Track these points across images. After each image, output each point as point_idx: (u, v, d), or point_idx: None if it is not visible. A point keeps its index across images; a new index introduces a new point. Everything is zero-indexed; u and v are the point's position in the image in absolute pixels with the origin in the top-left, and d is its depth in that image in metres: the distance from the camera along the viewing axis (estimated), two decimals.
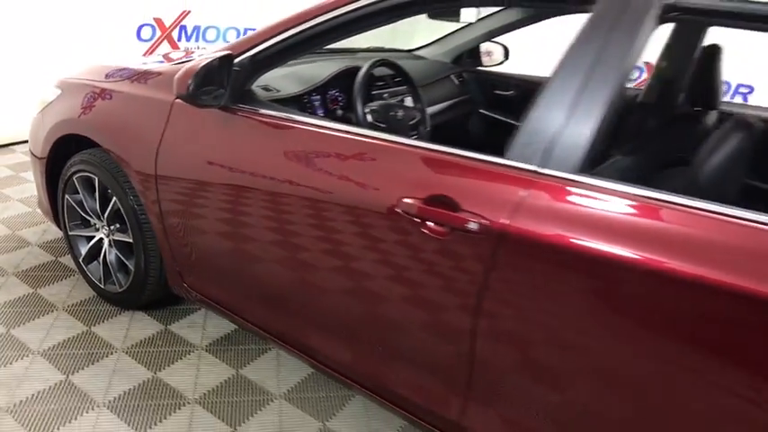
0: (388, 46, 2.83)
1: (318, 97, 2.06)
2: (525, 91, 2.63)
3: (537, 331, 1.19)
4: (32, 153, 2.38)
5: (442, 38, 2.78)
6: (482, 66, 2.87)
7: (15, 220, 2.86)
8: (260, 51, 1.62)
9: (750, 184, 2.12)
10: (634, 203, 1.09)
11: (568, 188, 1.14)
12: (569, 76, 1.18)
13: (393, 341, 1.47)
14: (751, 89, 4.55)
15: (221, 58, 1.55)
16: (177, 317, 2.23)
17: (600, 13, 1.18)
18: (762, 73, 4.31)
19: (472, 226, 1.19)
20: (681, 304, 1.02)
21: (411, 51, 2.87)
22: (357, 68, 2.02)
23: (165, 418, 1.75)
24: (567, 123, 1.15)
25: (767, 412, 0.98)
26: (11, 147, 3.82)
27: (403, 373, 1.50)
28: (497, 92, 2.73)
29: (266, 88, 1.87)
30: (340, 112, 2.13)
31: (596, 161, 1.65)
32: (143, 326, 2.16)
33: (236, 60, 1.63)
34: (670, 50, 2.12)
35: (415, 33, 3.28)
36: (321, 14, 1.54)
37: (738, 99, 4.62)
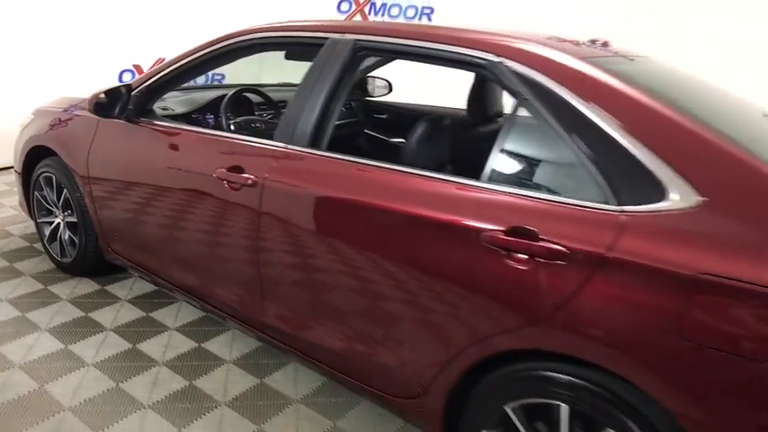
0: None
1: (212, 116, 2.85)
2: (395, 115, 3.39)
3: (289, 248, 1.92)
4: (15, 169, 3.20)
5: None
6: (370, 96, 3.65)
7: (5, 219, 3.69)
8: (152, 83, 2.42)
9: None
10: (324, 164, 1.83)
11: (300, 157, 1.88)
12: (303, 91, 1.95)
13: (228, 271, 2.19)
14: None
15: (122, 87, 2.36)
16: (113, 281, 2.98)
17: (321, 52, 1.95)
18: None
19: (249, 182, 1.94)
20: (358, 221, 1.74)
21: None
22: (238, 95, 2.80)
23: (87, 338, 2.47)
24: (299, 119, 1.91)
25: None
26: (11, 169, 4.68)
27: (242, 298, 2.21)
28: (376, 116, 3.50)
29: (165, 108, 2.67)
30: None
31: None
32: (85, 286, 2.91)
33: (138, 89, 2.43)
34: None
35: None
36: (188, 57, 2.33)
37: None
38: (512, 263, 1.43)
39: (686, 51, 4.19)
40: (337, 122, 3.32)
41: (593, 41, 2.02)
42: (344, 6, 5.75)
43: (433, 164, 1.94)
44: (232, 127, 2.56)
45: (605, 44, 2.02)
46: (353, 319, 1.83)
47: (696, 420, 1.25)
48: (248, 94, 2.86)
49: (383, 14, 5.81)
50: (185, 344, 2.49)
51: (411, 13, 5.69)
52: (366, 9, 5.76)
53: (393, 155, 1.93)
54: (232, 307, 2.25)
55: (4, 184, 4.39)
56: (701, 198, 1.28)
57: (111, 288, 2.92)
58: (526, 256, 1.42)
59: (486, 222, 1.48)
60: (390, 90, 3.69)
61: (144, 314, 2.70)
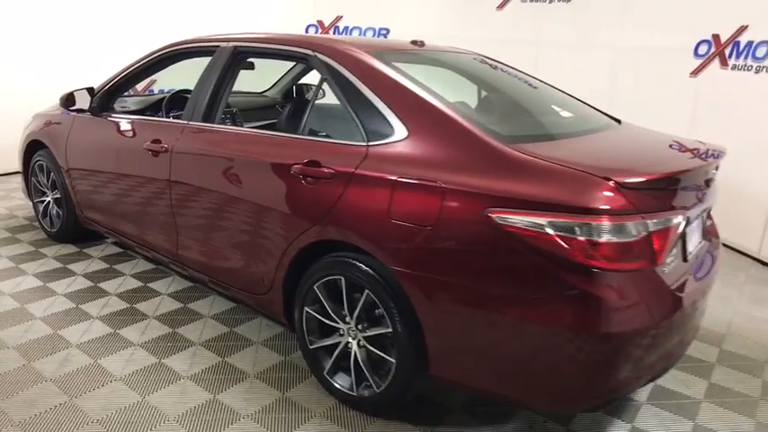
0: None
1: (161, 112, 3.66)
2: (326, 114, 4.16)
3: (188, 195, 2.67)
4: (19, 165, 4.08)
5: (275, 83, 4.38)
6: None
7: (14, 206, 4.56)
8: (110, 86, 3.24)
9: None
10: (211, 132, 2.59)
11: (196, 129, 2.65)
12: (200, 82, 2.72)
13: (158, 220, 2.95)
14: None
15: (86, 89, 3.18)
16: (90, 246, 3.78)
17: (214, 55, 2.73)
18: None
19: (163, 149, 2.72)
20: (215, 167, 2.49)
21: (260, 93, 4.47)
22: (177, 96, 3.60)
23: (61, 280, 3.25)
24: (197, 102, 2.68)
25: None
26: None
27: (166, 239, 2.96)
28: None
29: (123, 105, 3.48)
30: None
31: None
32: (67, 248, 3.72)
33: (100, 91, 3.25)
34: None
35: None
36: (134, 66, 3.15)
37: None
38: (306, 184, 2.16)
39: None
40: (266, 122, 4.18)
41: (414, 42, 2.76)
42: (311, 31, 6.60)
43: (290, 129, 2.67)
44: (171, 118, 3.35)
45: (421, 43, 2.76)
46: (223, 240, 2.57)
47: (403, 273, 1.92)
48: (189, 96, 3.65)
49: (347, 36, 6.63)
50: (135, 284, 3.26)
51: (369, 34, 6.50)
52: (331, 32, 6.60)
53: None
54: (163, 247, 3.00)
55: (16, 183, 5.29)
56: (408, 132, 2.00)
57: (87, 250, 3.72)
58: (314, 179, 2.14)
59: (295, 159, 2.21)
60: (324, 95, 4.46)
61: (108, 266, 3.49)
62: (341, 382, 2.25)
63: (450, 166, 1.87)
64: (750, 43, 4.25)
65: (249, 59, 2.74)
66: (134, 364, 2.48)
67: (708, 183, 2.09)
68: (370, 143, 2.07)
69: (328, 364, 2.26)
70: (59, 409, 2.15)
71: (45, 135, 3.66)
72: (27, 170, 3.94)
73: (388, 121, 2.06)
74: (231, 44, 2.69)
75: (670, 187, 1.85)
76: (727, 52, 4.44)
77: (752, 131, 4.22)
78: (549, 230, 1.67)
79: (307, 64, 2.42)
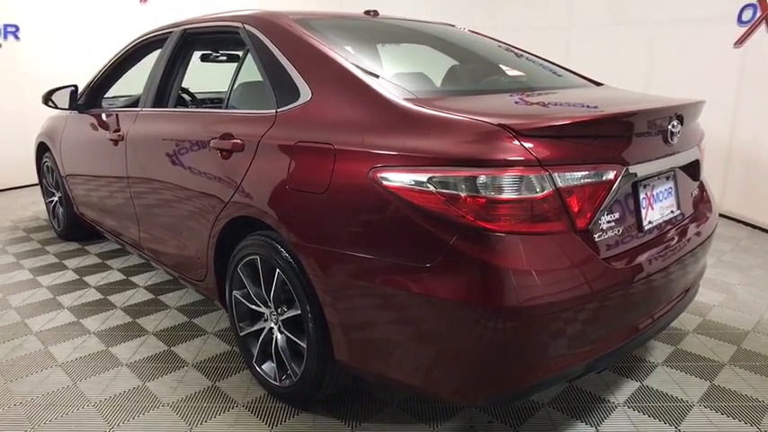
0: None
1: None
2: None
3: (141, 179, 2.63)
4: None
5: None
6: None
7: (39, 210, 4.80)
8: (94, 84, 3.31)
9: None
10: (158, 115, 2.54)
11: (147, 115, 2.62)
12: (153, 69, 2.68)
13: (123, 210, 2.94)
14: None
15: (70, 86, 3.27)
16: (91, 244, 3.87)
17: (167, 41, 2.69)
18: None
19: (120, 136, 2.71)
20: (171, 151, 2.42)
21: None
22: None
23: (51, 274, 3.33)
24: (150, 88, 2.65)
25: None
26: None
27: (131, 229, 2.95)
28: None
29: (111, 103, 3.55)
30: None
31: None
32: (71, 246, 3.83)
33: (87, 89, 3.32)
34: None
35: None
36: (111, 62, 3.20)
37: None
38: (221, 158, 2.04)
39: None
40: None
41: (368, 12, 2.59)
42: None
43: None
44: None
45: (375, 13, 2.58)
46: (166, 226, 2.51)
47: (301, 246, 1.74)
48: None
49: None
50: (118, 277, 3.28)
51: None
52: None
53: None
54: (134, 241, 2.99)
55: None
56: (311, 93, 1.82)
57: (87, 247, 3.81)
58: (228, 152, 2.01)
59: (212, 134, 2.10)
60: None
61: (100, 261, 3.55)
62: (266, 370, 2.09)
63: (346, 126, 1.68)
64: None
65: (196, 43, 2.67)
66: (81, 351, 2.45)
67: (667, 136, 1.75)
68: (279, 109, 1.92)
69: (256, 352, 2.11)
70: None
71: (46, 137, 3.81)
72: (39, 172, 4.13)
73: (295, 84, 1.90)
74: (181, 28, 2.65)
75: (595, 137, 1.55)
76: None
77: None
78: (431, 187, 1.43)
79: (239, 37, 2.31)
